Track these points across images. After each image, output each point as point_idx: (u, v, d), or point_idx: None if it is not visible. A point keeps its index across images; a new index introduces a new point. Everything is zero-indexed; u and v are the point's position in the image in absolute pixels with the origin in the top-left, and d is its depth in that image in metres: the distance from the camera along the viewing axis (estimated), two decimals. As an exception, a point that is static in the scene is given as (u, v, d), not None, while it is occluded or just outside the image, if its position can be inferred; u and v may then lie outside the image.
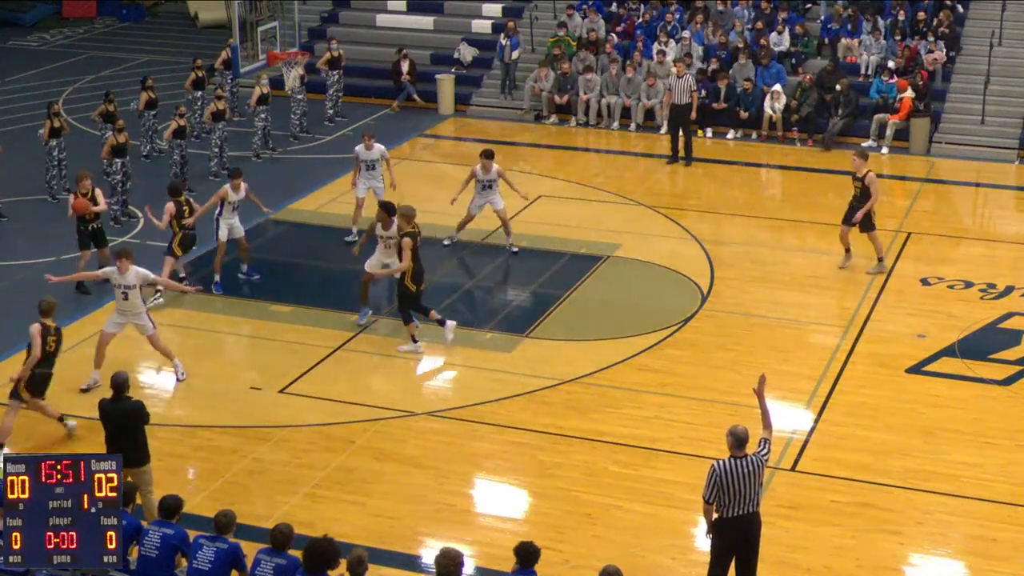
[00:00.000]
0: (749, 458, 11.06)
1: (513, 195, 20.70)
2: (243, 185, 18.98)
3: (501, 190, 20.53)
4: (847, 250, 19.66)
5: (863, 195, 19.13)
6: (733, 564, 11.38)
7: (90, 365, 16.34)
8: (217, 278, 19.06)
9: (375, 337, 17.84)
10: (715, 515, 11.20)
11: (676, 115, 25.17)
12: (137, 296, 16.00)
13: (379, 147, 20.66)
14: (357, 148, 20.81)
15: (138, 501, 11.64)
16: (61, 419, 14.93)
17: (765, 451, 11.19)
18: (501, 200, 20.42)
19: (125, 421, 12.68)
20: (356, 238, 20.04)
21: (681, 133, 25.14)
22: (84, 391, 15.94)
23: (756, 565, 11.41)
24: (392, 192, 20.40)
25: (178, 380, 16.37)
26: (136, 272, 15.92)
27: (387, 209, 17.43)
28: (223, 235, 19.03)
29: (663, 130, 27.12)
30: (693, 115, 25.28)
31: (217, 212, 18.99)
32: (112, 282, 16.01)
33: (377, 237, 17.57)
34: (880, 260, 19.53)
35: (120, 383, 12.77)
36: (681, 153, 25.20)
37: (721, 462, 11.07)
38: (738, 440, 11.07)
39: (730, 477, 10.98)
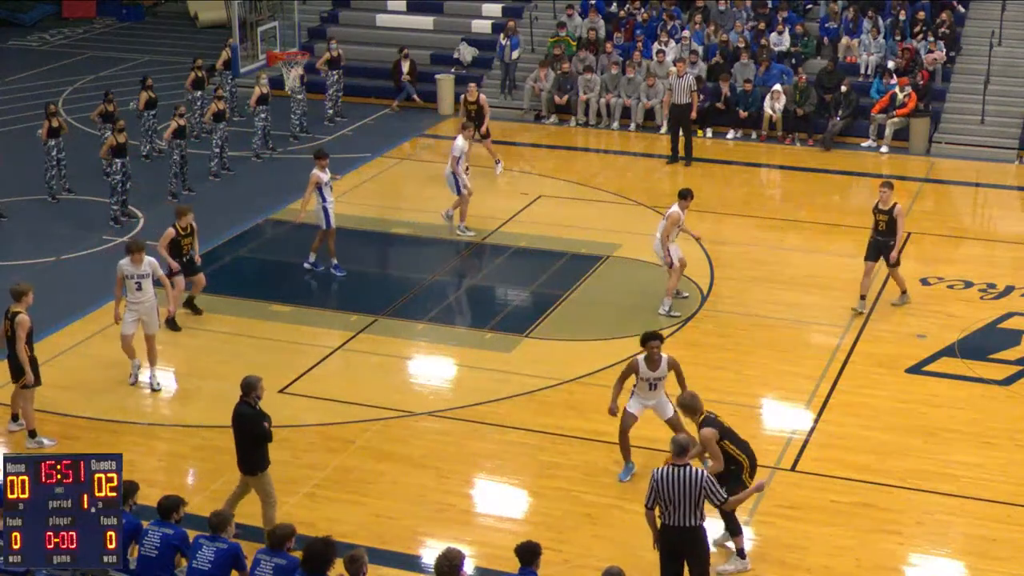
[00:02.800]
0: (689, 469, 11.06)
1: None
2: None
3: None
4: (862, 297, 18.22)
5: (888, 229, 17.85)
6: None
7: (91, 365, 16.33)
8: (335, 261, 19.55)
9: (375, 337, 17.84)
10: (659, 521, 11.27)
11: (676, 115, 25.16)
12: (151, 286, 16.10)
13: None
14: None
15: (136, 501, 11.58)
16: (33, 434, 14.81)
17: (713, 486, 11.08)
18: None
19: (238, 425, 12.49)
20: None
21: (681, 133, 25.13)
22: (133, 385, 16.22)
23: (707, 572, 11.36)
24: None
25: (152, 389, 16.25)
26: (149, 261, 16.08)
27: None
28: (332, 222, 19.36)
29: (663, 130, 27.13)
30: (693, 115, 25.30)
31: (321, 200, 19.16)
32: (125, 275, 16.02)
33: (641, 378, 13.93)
34: (904, 292, 18.38)
35: (242, 386, 12.51)
36: (681, 153, 25.20)
37: (659, 468, 11.19)
38: (677, 447, 11.16)
39: (666, 483, 11.04)
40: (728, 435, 12.29)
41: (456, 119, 28.61)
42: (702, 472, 11.12)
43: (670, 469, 11.09)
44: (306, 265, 19.76)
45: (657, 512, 11.29)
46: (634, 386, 13.79)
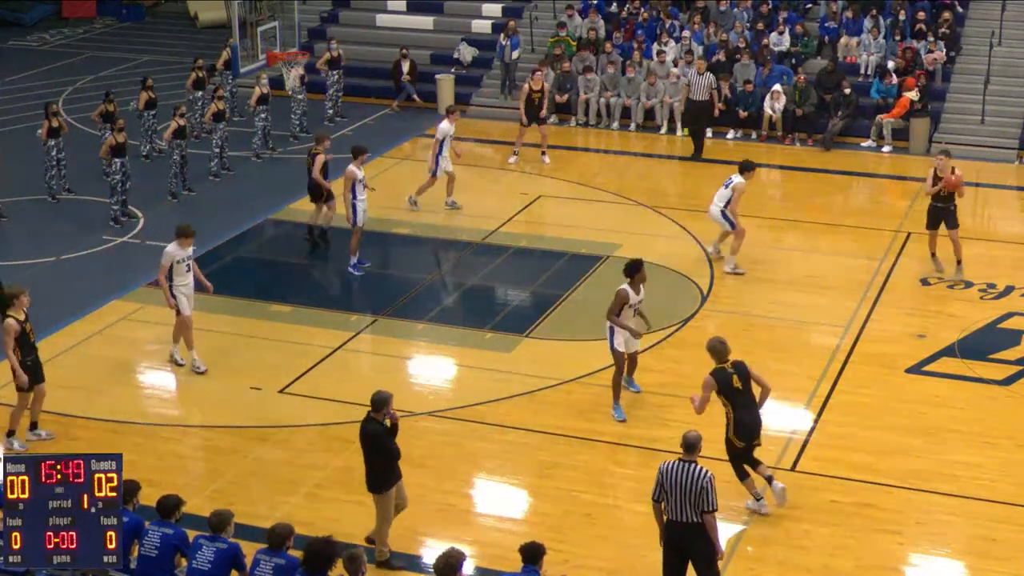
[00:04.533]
0: (693, 466, 11.11)
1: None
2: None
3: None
4: (933, 255, 19.47)
5: (948, 194, 18.91)
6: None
7: (91, 365, 16.32)
8: (354, 260, 19.61)
9: (375, 337, 17.85)
10: (665, 517, 11.32)
11: (695, 111, 25.32)
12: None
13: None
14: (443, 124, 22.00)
15: (138, 502, 11.58)
16: (34, 426, 14.84)
17: (711, 491, 11.08)
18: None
19: (365, 441, 12.19)
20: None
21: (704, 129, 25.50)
22: (201, 373, 16.50)
23: (716, 570, 11.35)
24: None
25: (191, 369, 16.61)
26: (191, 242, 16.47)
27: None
28: (360, 220, 19.45)
29: (663, 130, 27.17)
30: (716, 112, 25.68)
31: (352, 197, 19.26)
32: (175, 259, 16.21)
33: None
34: (959, 262, 19.29)
35: (372, 402, 12.12)
36: (709, 152, 25.40)
37: (666, 462, 11.25)
38: (686, 444, 11.24)
39: (670, 477, 11.12)
40: (730, 394, 13.01)
41: (455, 119, 28.64)
42: (707, 473, 11.12)
43: (677, 464, 11.16)
44: (350, 270, 19.76)
45: (663, 507, 11.31)
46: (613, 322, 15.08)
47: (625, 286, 15.09)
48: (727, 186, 19.43)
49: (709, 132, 26.75)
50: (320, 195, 20.64)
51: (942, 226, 19.19)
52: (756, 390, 13.28)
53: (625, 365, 15.47)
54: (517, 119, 27.97)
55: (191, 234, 16.31)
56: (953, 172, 18.90)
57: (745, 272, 19.44)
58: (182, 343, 16.63)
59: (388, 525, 12.36)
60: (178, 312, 16.42)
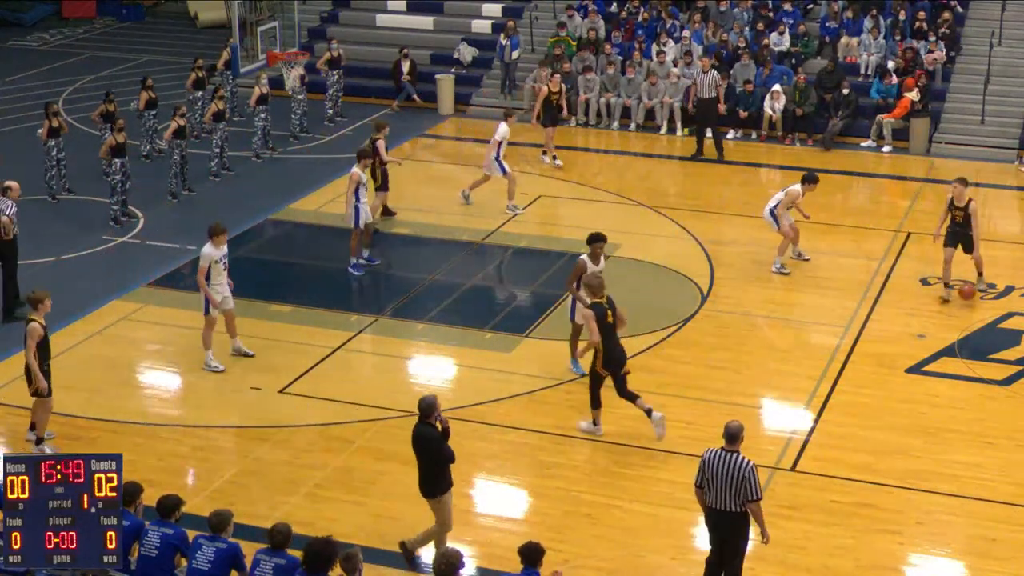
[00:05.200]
0: (735, 456, 11.20)
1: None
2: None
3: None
4: (947, 285, 18.62)
5: (965, 221, 18.36)
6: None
7: (91, 365, 16.30)
8: (354, 260, 19.67)
9: (375, 337, 17.85)
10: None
11: (701, 109, 25.39)
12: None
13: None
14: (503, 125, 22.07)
15: (141, 503, 11.55)
16: (40, 441, 14.68)
17: (755, 481, 11.22)
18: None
19: (419, 448, 12.09)
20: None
21: (709, 133, 25.46)
22: (250, 355, 16.81)
23: (739, 564, 11.51)
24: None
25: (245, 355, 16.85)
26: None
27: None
28: (362, 221, 19.48)
29: (663, 130, 27.18)
30: (721, 109, 25.65)
31: (355, 199, 19.28)
32: (213, 259, 16.25)
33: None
34: (981, 274, 18.81)
35: (421, 408, 12.02)
36: (707, 151, 25.44)
37: (709, 450, 11.39)
38: (729, 434, 11.35)
39: (712, 465, 11.24)
40: (604, 327, 14.38)
41: (455, 119, 28.72)
42: (749, 463, 11.23)
43: (719, 452, 11.29)
44: (361, 261, 19.85)
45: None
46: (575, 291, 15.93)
47: (584, 256, 15.89)
48: (784, 190, 19.69)
49: (709, 132, 26.65)
50: (388, 181, 21.32)
51: (960, 248, 18.57)
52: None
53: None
54: (518, 119, 27.98)
55: (223, 231, 16.33)
56: (969, 203, 18.24)
57: (790, 272, 19.54)
58: (214, 346, 16.59)
59: (447, 531, 12.25)
60: (207, 312, 16.39)
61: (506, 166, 22.12)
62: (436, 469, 12.05)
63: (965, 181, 18.64)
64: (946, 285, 18.54)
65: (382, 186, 21.18)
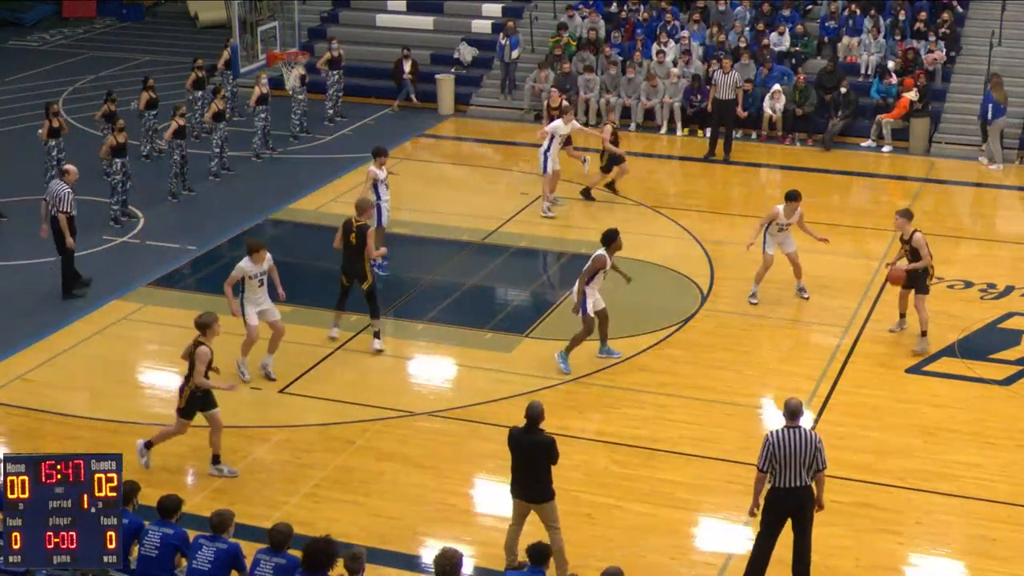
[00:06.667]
0: (803, 431, 11.51)
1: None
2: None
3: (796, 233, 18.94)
4: (901, 315, 17.51)
5: (913, 258, 16.88)
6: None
7: (91, 365, 16.29)
8: (378, 261, 19.15)
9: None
10: (768, 485, 11.61)
11: (720, 110, 25.41)
12: (267, 283, 16.25)
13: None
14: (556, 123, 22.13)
15: (137, 502, 11.56)
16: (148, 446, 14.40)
17: (823, 449, 11.55)
18: (794, 243, 18.69)
19: (531, 454, 11.98)
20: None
21: (722, 129, 25.45)
22: (272, 379, 16.39)
23: (810, 535, 11.75)
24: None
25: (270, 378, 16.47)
26: (268, 257, 16.17)
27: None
28: (385, 220, 19.43)
29: (663, 130, 27.18)
30: (740, 111, 25.71)
31: (376, 197, 19.17)
32: (248, 275, 16.02)
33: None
34: (923, 334, 16.99)
35: (533, 415, 11.90)
36: (718, 151, 25.38)
37: (774, 431, 11.57)
38: (789, 411, 11.59)
39: (781, 447, 11.44)
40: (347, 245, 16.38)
41: (455, 119, 28.69)
42: (815, 434, 11.57)
43: (785, 431, 11.49)
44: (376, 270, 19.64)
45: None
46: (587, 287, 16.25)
47: (602, 251, 16.22)
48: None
49: (737, 133, 26.49)
50: (618, 160, 22.56)
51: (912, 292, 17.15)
52: None
53: (595, 327, 16.42)
54: (517, 119, 28.06)
55: (257, 248, 16.00)
56: (913, 235, 16.80)
57: (809, 298, 18.64)
58: (250, 354, 16.43)
59: (560, 531, 12.13)
60: (246, 322, 16.23)
61: (549, 165, 21.98)
62: (541, 475, 11.96)
63: (907, 213, 17.08)
64: (901, 315, 17.52)
65: (619, 160, 22.59)
